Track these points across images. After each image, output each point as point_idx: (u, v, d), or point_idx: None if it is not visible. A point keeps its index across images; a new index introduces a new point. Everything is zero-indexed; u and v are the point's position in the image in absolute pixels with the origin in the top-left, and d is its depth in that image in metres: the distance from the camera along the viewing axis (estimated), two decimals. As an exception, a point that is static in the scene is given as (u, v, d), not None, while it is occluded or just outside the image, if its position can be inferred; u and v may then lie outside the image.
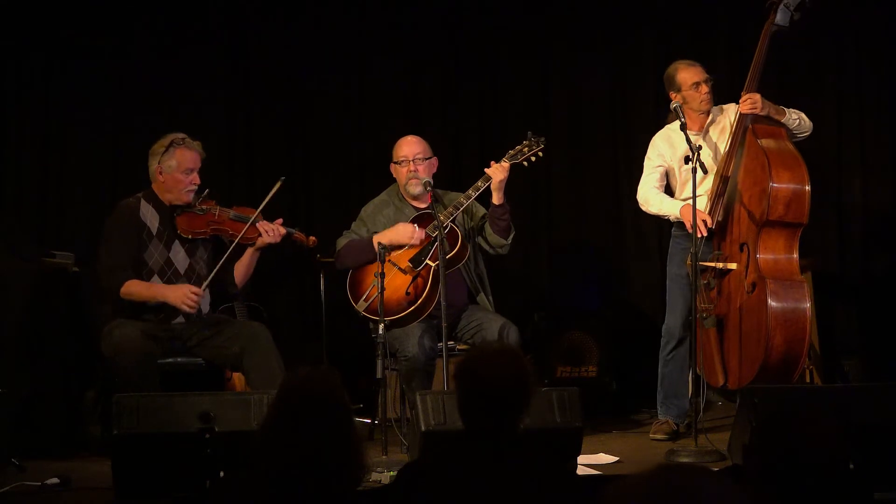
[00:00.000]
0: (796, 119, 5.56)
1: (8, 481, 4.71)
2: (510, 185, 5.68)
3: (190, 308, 5.18)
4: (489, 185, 5.54)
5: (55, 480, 4.69)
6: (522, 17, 6.94)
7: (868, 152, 6.81)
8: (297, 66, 6.82)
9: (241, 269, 5.51)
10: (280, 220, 5.46)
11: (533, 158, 5.65)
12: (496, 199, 5.56)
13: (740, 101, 5.52)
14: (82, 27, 6.55)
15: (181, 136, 5.35)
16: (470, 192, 5.58)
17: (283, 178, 5.39)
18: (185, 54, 6.69)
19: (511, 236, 5.68)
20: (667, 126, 5.73)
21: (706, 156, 5.54)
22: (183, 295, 5.18)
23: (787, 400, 4.65)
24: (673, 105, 5.46)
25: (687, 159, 5.30)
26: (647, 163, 5.75)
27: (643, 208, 5.77)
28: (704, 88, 5.59)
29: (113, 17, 6.57)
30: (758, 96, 5.47)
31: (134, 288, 5.21)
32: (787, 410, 2.54)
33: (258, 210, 5.36)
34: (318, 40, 6.82)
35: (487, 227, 5.67)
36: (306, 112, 6.84)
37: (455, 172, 6.54)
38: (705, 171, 5.36)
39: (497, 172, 5.51)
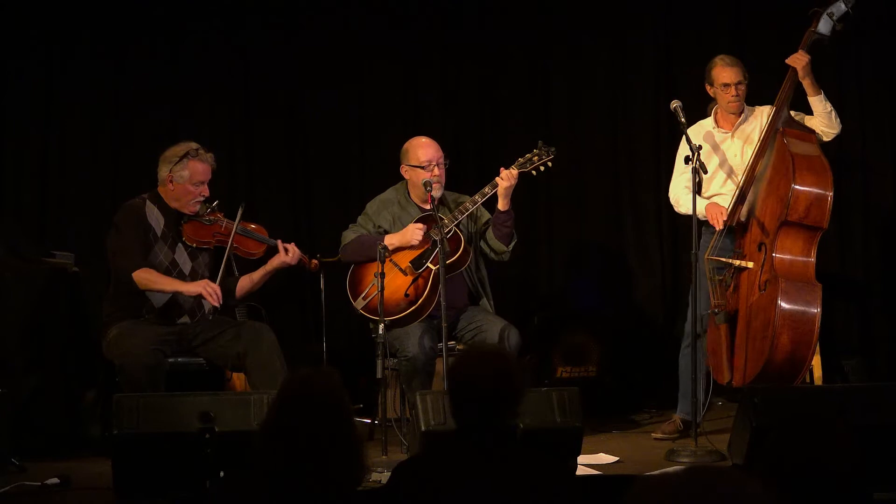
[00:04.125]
0: (829, 110, 5.54)
1: (8, 481, 4.71)
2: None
3: (212, 298, 5.15)
4: (496, 190, 5.54)
5: (55, 480, 4.69)
6: (522, 18, 6.93)
7: (868, 152, 6.81)
8: (296, 67, 6.81)
9: (247, 283, 5.51)
10: (294, 244, 5.47)
11: (542, 168, 5.65)
12: (502, 204, 5.55)
13: (792, 57, 5.52)
14: (83, 27, 6.56)
15: (195, 146, 5.35)
16: (476, 197, 5.58)
17: (243, 203, 5.41)
18: (186, 56, 6.69)
19: (513, 244, 5.66)
20: (699, 122, 5.75)
21: (732, 156, 5.62)
22: (204, 285, 5.18)
23: (788, 400, 4.66)
24: (673, 105, 5.46)
25: (687, 159, 5.30)
26: (677, 160, 5.73)
27: (675, 208, 5.79)
28: (732, 91, 5.60)
29: (113, 17, 6.58)
30: (808, 57, 5.47)
31: (151, 275, 5.20)
32: (806, 415, 2.53)
33: (234, 230, 5.35)
34: (318, 42, 6.81)
35: (490, 232, 5.67)
36: (306, 113, 6.83)
37: (454, 174, 6.53)
38: (705, 171, 5.37)
39: (505, 179, 5.51)
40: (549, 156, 5.64)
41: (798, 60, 5.49)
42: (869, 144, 6.81)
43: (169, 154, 5.36)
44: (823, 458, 2.41)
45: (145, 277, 5.20)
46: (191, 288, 5.21)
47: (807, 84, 5.51)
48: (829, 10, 5.52)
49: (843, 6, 5.52)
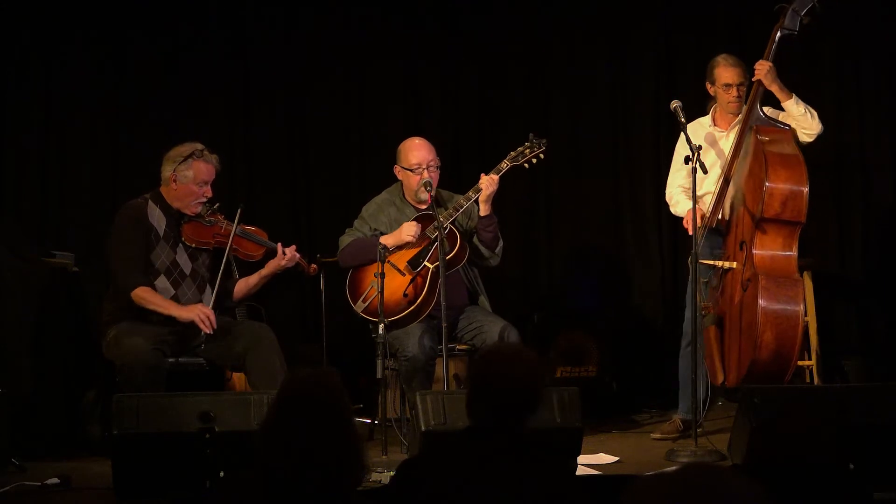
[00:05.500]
0: (803, 111, 5.55)
1: (8, 481, 4.70)
2: (510, 185, 5.68)
3: (205, 326, 5.15)
4: (478, 196, 5.51)
5: (55, 480, 4.68)
6: (523, 18, 6.94)
7: (868, 152, 6.81)
8: (296, 68, 6.82)
9: (244, 287, 5.49)
10: (294, 247, 5.46)
11: (534, 160, 5.63)
12: (483, 210, 5.53)
13: (754, 66, 5.53)
14: (83, 27, 6.57)
15: (200, 147, 5.33)
16: (470, 193, 5.57)
17: (242, 204, 5.38)
18: (186, 56, 6.70)
19: (499, 247, 5.64)
20: (697, 120, 5.74)
21: (723, 155, 5.59)
22: (198, 312, 5.17)
23: (788, 400, 4.65)
24: (673, 105, 5.45)
25: (687, 159, 5.30)
26: (674, 157, 5.74)
27: (670, 208, 5.84)
28: (733, 92, 5.61)
29: (114, 18, 6.58)
30: (768, 65, 5.48)
31: (148, 295, 5.17)
32: (783, 412, 2.54)
33: (233, 231, 5.33)
34: (318, 42, 6.82)
35: (475, 237, 5.66)
36: (306, 113, 6.84)
37: (454, 174, 6.53)
38: (705, 171, 5.37)
39: (487, 185, 5.50)
40: (540, 148, 5.61)
41: (759, 71, 5.50)
42: (869, 144, 6.82)
43: (173, 153, 5.34)
44: (804, 453, 2.42)
45: (142, 297, 5.17)
46: (184, 314, 5.17)
47: (776, 90, 5.52)
48: (794, 6, 5.53)
49: (808, 0, 5.53)
